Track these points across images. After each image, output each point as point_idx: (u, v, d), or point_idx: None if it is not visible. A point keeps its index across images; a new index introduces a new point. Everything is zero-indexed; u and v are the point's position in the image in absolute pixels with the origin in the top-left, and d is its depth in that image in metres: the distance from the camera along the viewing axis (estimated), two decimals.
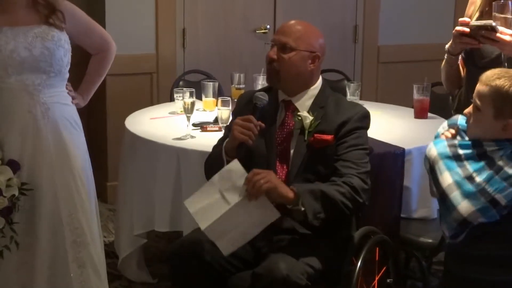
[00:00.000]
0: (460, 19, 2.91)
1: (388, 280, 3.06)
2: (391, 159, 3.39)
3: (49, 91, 2.96)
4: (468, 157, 2.53)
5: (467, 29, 2.84)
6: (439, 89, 4.60)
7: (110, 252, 4.13)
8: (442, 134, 2.69)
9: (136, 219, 3.72)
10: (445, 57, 3.05)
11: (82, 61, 3.27)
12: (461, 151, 2.55)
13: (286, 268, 2.66)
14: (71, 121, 3.04)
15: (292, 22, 3.01)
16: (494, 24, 2.78)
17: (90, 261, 3.03)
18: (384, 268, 3.05)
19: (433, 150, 2.61)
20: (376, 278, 3.03)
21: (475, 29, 2.81)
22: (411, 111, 4.25)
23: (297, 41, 2.93)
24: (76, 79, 3.22)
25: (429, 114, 4.19)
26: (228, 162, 2.86)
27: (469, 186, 2.48)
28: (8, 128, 2.91)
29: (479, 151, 2.52)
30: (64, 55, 2.97)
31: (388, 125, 4.00)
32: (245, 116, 2.88)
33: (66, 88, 3.07)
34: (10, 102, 2.90)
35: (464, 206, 2.47)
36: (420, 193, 3.57)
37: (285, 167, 2.95)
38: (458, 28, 2.85)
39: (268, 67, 2.99)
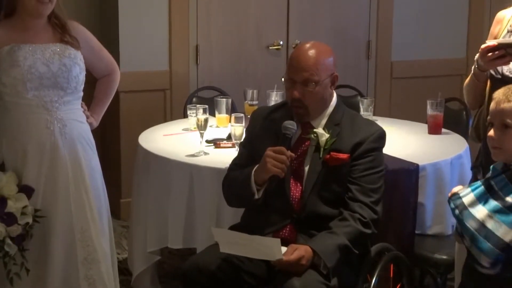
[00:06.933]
0: (488, 41, 2.85)
1: None
2: (405, 175, 3.37)
3: (65, 108, 3.00)
4: (501, 187, 2.49)
5: (493, 43, 2.78)
6: (453, 105, 4.59)
7: (124, 269, 4.12)
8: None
9: (149, 236, 3.72)
10: (473, 69, 2.98)
11: (93, 80, 3.29)
12: (493, 182, 2.51)
13: (300, 285, 2.65)
14: (87, 140, 3.09)
15: (303, 50, 2.93)
16: None
17: (100, 279, 3.05)
18: (399, 285, 3.03)
19: (460, 200, 2.55)
20: None
21: (503, 47, 2.77)
22: (425, 126, 4.23)
23: (318, 72, 2.89)
24: (85, 98, 3.24)
25: (443, 130, 4.16)
26: (258, 191, 2.88)
27: (505, 211, 2.43)
28: (27, 144, 2.93)
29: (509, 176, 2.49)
30: (80, 73, 3.02)
31: (402, 141, 3.98)
32: (277, 148, 2.85)
33: (82, 107, 3.10)
34: (28, 118, 2.94)
35: (504, 231, 2.41)
36: (434, 209, 3.55)
37: (299, 184, 2.94)
38: (484, 46, 2.80)
39: (295, 105, 2.94)
